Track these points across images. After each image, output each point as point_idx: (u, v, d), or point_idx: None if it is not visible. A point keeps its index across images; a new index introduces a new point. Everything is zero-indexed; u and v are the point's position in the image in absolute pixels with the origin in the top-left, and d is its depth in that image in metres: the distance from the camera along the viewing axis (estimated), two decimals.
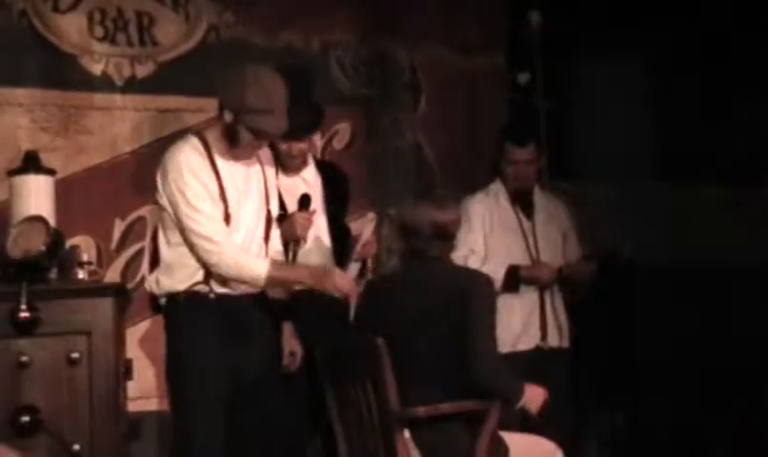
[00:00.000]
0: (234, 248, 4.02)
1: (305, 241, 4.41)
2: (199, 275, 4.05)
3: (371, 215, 4.86)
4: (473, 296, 3.93)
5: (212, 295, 4.05)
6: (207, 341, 4.03)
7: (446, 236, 4.07)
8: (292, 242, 4.35)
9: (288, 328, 4.44)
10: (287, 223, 4.40)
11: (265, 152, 4.29)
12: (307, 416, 4.53)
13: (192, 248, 4.02)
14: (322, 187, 4.76)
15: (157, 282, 4.10)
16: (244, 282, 4.04)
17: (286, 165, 4.65)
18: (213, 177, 4.05)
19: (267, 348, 4.19)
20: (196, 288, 4.05)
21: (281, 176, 4.63)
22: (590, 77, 6.21)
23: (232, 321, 4.06)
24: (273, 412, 4.14)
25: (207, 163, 4.05)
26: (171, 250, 4.09)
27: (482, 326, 3.91)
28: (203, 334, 4.03)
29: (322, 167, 4.87)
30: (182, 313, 4.07)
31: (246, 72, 4.05)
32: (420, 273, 4.07)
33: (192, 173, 4.01)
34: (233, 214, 4.07)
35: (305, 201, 4.47)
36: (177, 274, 4.06)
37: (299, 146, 4.62)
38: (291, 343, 4.45)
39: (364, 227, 4.76)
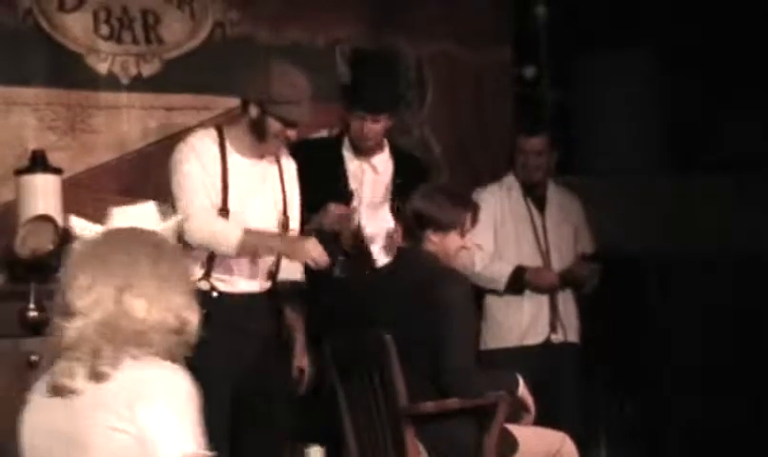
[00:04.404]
0: (207, 213, 4.03)
1: (341, 233, 4.38)
2: (198, 273, 4.06)
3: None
4: (444, 305, 3.86)
5: (215, 294, 4.06)
6: (209, 340, 4.04)
7: (427, 226, 4.05)
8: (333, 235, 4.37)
9: (300, 343, 4.33)
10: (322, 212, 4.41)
11: (288, 161, 4.31)
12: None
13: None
14: (393, 176, 4.72)
15: None
16: (216, 249, 4.02)
17: (358, 146, 4.63)
18: (219, 168, 4.07)
19: (270, 348, 4.18)
20: (197, 285, 4.06)
21: (349, 158, 4.61)
22: (596, 70, 6.19)
23: (235, 320, 4.07)
24: (274, 412, 4.14)
25: (217, 152, 4.08)
26: None
27: (452, 338, 3.84)
28: (205, 333, 4.04)
29: (400, 156, 4.80)
30: None
31: (271, 66, 4.14)
32: (401, 269, 4.08)
33: (193, 151, 4.05)
34: (234, 211, 4.07)
35: (346, 194, 4.49)
36: None
37: (373, 127, 4.57)
38: (300, 359, 4.29)
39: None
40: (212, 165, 4.07)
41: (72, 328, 2.30)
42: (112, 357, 2.28)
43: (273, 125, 4.06)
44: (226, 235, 4.01)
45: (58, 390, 2.31)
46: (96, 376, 2.27)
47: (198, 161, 4.06)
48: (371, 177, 4.66)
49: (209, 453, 2.38)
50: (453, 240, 4.06)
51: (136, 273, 2.34)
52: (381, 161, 4.71)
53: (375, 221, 4.59)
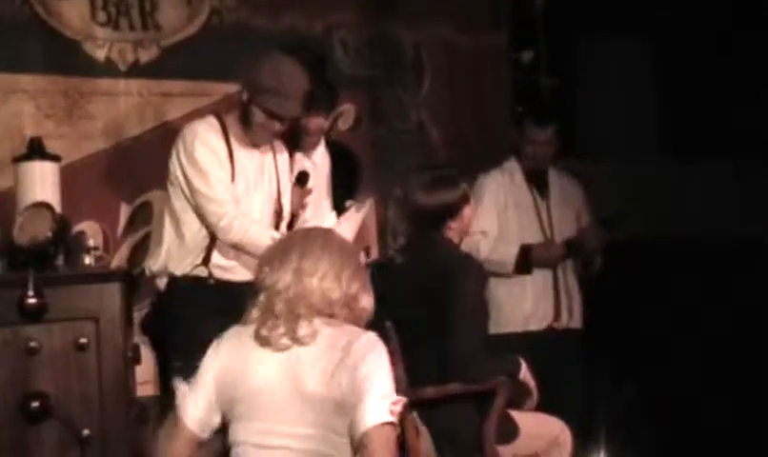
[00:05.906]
0: (243, 215, 4.03)
1: (300, 215, 4.43)
2: (197, 259, 4.06)
3: (348, 203, 4.82)
4: (455, 288, 3.88)
5: (211, 281, 4.06)
6: (206, 326, 4.04)
7: (447, 215, 4.07)
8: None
9: None
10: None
11: (281, 149, 4.30)
12: None
13: (201, 215, 4.04)
14: (330, 168, 4.74)
15: (156, 264, 4.13)
16: (247, 250, 4.03)
17: (302, 142, 4.63)
18: (226, 156, 4.07)
19: None
20: (195, 272, 4.06)
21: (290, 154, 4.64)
22: (594, 54, 6.19)
23: (232, 307, 4.07)
24: None
25: (222, 141, 4.07)
26: (171, 234, 4.11)
27: (459, 323, 3.86)
28: (202, 319, 4.04)
29: (334, 148, 4.83)
30: (181, 297, 4.08)
31: (269, 57, 4.10)
32: (412, 257, 4.08)
33: (204, 143, 4.05)
34: (241, 200, 4.08)
35: (302, 178, 4.48)
36: (175, 258, 4.08)
37: (317, 121, 4.58)
38: None
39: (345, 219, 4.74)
40: (222, 156, 4.07)
41: (276, 302, 3.05)
42: (308, 321, 2.96)
43: (258, 114, 4.05)
44: (260, 237, 4.00)
45: (267, 342, 3.04)
46: (297, 338, 2.96)
47: (214, 155, 4.05)
48: (313, 173, 4.67)
49: (402, 398, 2.94)
50: (466, 214, 4.11)
51: (307, 259, 3.02)
52: (319, 155, 4.73)
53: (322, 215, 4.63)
